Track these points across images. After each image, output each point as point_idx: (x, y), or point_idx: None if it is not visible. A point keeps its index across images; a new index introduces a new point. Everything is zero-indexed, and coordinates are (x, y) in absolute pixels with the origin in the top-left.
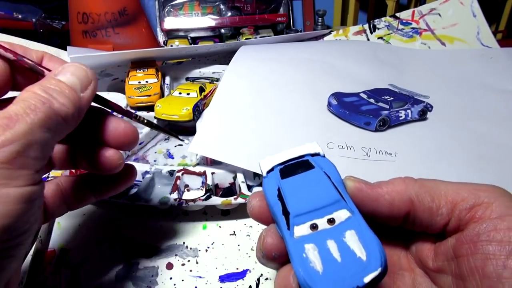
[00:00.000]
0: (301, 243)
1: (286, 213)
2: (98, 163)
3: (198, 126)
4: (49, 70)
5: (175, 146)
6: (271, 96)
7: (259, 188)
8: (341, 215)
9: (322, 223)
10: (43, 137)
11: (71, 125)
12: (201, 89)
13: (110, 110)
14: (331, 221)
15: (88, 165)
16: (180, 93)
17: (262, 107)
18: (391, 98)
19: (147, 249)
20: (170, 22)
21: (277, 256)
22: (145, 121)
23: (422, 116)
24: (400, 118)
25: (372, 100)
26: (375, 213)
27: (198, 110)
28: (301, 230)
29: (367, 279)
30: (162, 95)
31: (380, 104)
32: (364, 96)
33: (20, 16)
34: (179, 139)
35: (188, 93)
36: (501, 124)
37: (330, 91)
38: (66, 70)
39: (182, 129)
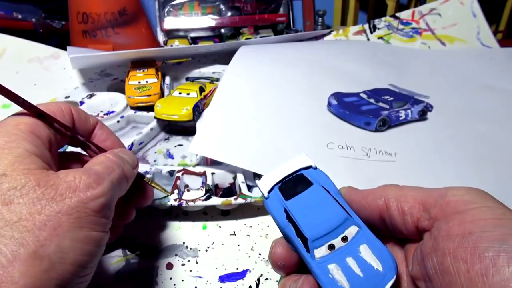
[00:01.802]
0: (324, 263)
1: (302, 236)
2: (121, 215)
3: (198, 126)
4: (94, 145)
5: (175, 146)
6: (271, 96)
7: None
8: (351, 231)
9: (337, 242)
10: (117, 193)
11: (128, 187)
12: (201, 89)
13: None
14: (344, 239)
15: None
16: (180, 93)
17: (262, 107)
18: (391, 98)
19: (147, 249)
20: (170, 22)
21: (283, 266)
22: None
23: (422, 116)
24: (400, 118)
25: (372, 100)
26: (362, 216)
27: (198, 110)
28: (321, 252)
29: None
30: (162, 95)
31: (380, 104)
32: (364, 96)
33: (20, 16)
34: (163, 190)
35: (188, 93)
36: (501, 124)
37: (330, 91)
38: (125, 150)
39: (182, 129)
